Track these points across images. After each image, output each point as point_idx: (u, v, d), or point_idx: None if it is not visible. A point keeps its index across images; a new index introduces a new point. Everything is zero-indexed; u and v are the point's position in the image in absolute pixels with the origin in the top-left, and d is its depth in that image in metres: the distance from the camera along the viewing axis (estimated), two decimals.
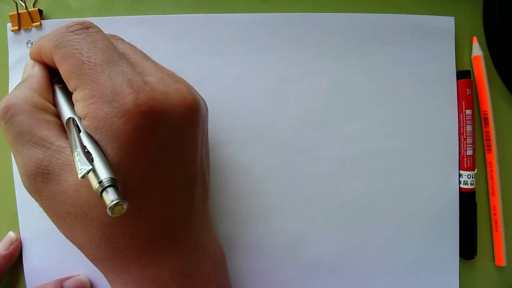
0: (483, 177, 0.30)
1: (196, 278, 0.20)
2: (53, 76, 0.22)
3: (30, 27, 0.27)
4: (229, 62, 0.28)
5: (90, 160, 0.16)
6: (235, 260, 0.28)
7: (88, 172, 0.15)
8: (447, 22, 0.29)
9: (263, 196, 0.28)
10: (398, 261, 0.29)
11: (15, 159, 0.19)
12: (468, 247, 0.29)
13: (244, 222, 0.28)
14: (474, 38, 0.30)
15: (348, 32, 0.29)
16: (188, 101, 0.19)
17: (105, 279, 0.19)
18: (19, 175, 0.19)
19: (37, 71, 0.21)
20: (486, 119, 0.29)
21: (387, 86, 0.29)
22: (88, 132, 0.17)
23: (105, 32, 0.20)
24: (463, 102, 0.29)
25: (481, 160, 0.30)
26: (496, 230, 0.29)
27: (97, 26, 0.20)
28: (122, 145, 0.16)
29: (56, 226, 0.19)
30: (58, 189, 0.18)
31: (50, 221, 0.27)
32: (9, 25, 0.27)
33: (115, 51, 0.19)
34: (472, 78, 0.29)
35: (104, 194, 0.15)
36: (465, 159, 0.29)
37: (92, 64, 0.17)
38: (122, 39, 0.22)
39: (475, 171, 0.29)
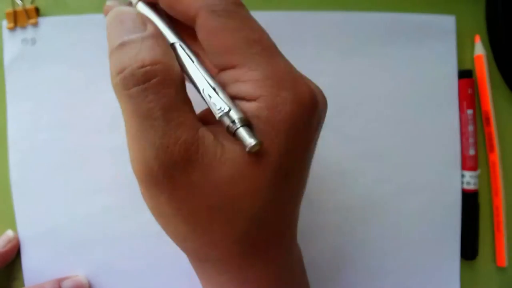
0: (486, 178, 0.29)
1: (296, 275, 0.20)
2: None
3: (26, 25, 0.27)
4: None
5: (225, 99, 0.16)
6: None
7: (228, 111, 0.15)
8: (448, 21, 0.29)
9: None
10: (399, 261, 0.28)
11: (137, 139, 0.15)
12: (469, 248, 0.29)
13: None
14: (477, 37, 0.29)
15: (348, 31, 0.28)
16: (325, 98, 0.19)
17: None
18: (135, 159, 0.16)
19: (157, 30, 0.17)
20: (487, 119, 0.29)
21: (388, 86, 0.29)
22: (253, 114, 0.16)
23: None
24: (465, 102, 0.29)
25: (484, 160, 0.29)
26: (498, 231, 0.29)
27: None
28: (295, 134, 0.16)
29: (174, 223, 0.17)
30: (203, 180, 0.15)
31: (48, 221, 0.27)
32: (4, 22, 0.27)
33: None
34: (473, 77, 0.29)
35: (240, 132, 0.15)
36: (467, 159, 0.29)
37: (265, 45, 0.17)
38: None
39: (478, 172, 0.29)
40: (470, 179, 0.29)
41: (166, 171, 0.15)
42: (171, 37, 0.18)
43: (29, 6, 0.27)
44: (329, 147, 0.28)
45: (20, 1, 0.27)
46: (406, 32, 0.29)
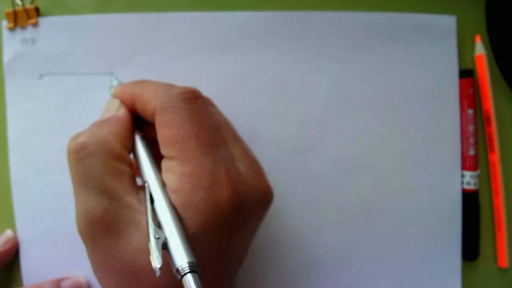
0: (486, 178, 0.29)
1: None
2: (134, 121, 0.21)
3: (26, 25, 0.27)
4: (229, 61, 0.28)
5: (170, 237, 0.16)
6: None
7: (159, 270, 0.15)
8: (449, 21, 0.29)
9: None
10: (400, 262, 0.28)
11: (75, 197, 0.18)
12: (470, 248, 0.29)
13: None
14: (477, 37, 0.29)
15: (348, 31, 0.28)
16: (267, 196, 0.20)
17: None
18: (75, 213, 0.18)
19: (123, 115, 0.21)
20: (488, 119, 0.29)
21: (388, 86, 0.29)
22: (174, 204, 0.17)
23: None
24: (465, 102, 0.29)
25: (484, 160, 0.29)
26: (499, 231, 0.29)
27: (204, 96, 0.20)
28: (206, 233, 0.17)
29: (96, 275, 0.19)
30: (116, 245, 0.17)
31: (48, 221, 0.27)
32: (4, 22, 0.27)
33: (219, 131, 0.19)
34: (474, 77, 0.29)
35: (185, 279, 0.15)
36: (467, 159, 0.29)
37: (200, 143, 0.18)
38: (215, 107, 0.23)
39: (478, 172, 0.29)
40: (470, 179, 0.28)
41: (88, 231, 0.18)
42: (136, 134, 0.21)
43: (29, 6, 0.27)
44: (329, 147, 0.28)
45: (20, 1, 0.27)
46: (406, 32, 0.29)
